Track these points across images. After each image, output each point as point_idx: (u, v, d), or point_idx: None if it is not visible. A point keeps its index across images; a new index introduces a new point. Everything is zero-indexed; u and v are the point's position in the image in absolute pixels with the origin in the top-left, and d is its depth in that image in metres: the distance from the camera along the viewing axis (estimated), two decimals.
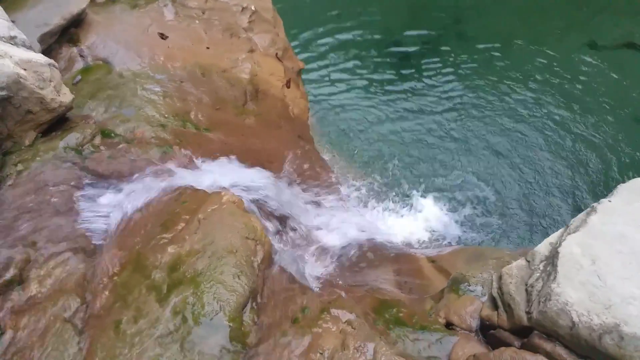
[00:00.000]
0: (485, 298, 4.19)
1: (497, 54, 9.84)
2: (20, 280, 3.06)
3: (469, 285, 4.30)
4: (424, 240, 6.36)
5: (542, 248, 3.12)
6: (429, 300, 4.57)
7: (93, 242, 3.44)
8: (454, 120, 8.39)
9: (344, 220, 6.14)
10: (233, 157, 5.60)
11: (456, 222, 6.67)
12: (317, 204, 6.18)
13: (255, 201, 4.54)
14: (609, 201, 3.16)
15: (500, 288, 3.13)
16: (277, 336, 2.90)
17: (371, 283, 4.94)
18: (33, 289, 3.05)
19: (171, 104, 6.06)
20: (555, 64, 9.43)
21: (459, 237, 6.59)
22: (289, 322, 3.01)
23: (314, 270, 4.85)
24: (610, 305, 2.63)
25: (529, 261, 3.14)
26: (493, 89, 9.04)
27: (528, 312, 2.91)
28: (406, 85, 9.18)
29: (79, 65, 6.26)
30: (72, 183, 3.72)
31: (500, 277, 3.17)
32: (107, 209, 3.69)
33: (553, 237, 3.20)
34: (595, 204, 3.20)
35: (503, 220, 6.72)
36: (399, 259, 5.62)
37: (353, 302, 3.30)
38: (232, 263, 3.14)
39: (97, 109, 5.56)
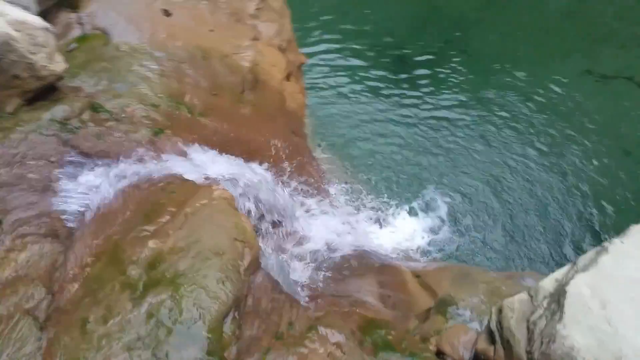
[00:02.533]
0: (473, 324, 3.95)
1: (497, 71, 9.64)
2: None
3: (457, 309, 4.05)
4: (410, 252, 6.11)
5: (547, 283, 2.87)
6: (414, 319, 4.32)
7: (67, 225, 3.10)
8: (449, 133, 8.17)
9: (330, 224, 5.86)
10: (225, 147, 5.28)
11: (444, 236, 6.44)
12: (305, 204, 5.88)
13: (244, 197, 4.22)
14: (622, 242, 2.92)
15: (499, 322, 2.87)
16: (258, 353, 2.60)
17: (355, 294, 4.66)
18: None
19: (167, 84, 5.69)
20: (553, 87, 9.27)
21: (445, 252, 6.36)
22: (272, 338, 2.72)
23: (297, 275, 4.56)
24: (620, 357, 2.39)
25: (531, 296, 2.89)
26: (490, 106, 8.83)
27: (529, 352, 2.66)
28: (406, 93, 8.93)
29: (76, 32, 5.86)
30: (53, 159, 3.36)
31: (500, 310, 2.91)
32: (87, 190, 3.34)
33: (559, 274, 2.95)
34: (606, 244, 2.96)
35: (491, 241, 6.50)
36: (383, 270, 5.36)
37: (341, 320, 3.02)
38: (217, 266, 2.83)
39: (88, 80, 5.15)
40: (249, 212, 4.01)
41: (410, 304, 4.79)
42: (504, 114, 8.58)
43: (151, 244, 2.92)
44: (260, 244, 3.53)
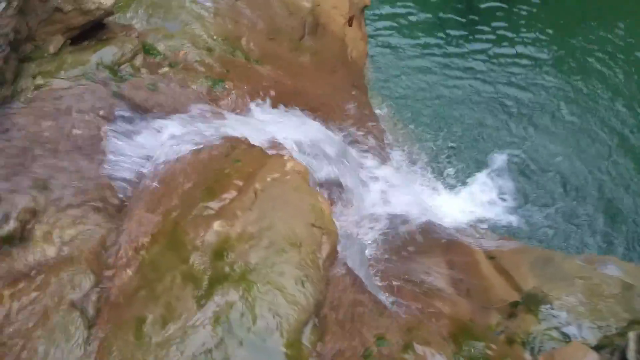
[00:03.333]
0: (570, 329, 3.42)
1: (579, 27, 8.56)
2: (21, 237, 2.27)
3: (552, 309, 3.52)
4: (479, 227, 5.52)
5: None
6: (495, 313, 3.82)
7: (119, 195, 2.63)
8: (523, 92, 7.31)
9: (394, 192, 5.30)
10: (285, 101, 4.71)
11: (518, 210, 5.81)
12: (367, 169, 5.33)
13: (313, 164, 3.69)
14: None
15: None
16: None
17: (424, 277, 4.17)
18: (37, 251, 2.27)
19: (222, 25, 5.09)
20: None
21: (515, 227, 5.76)
22: (360, 356, 2.25)
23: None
24: None
25: None
26: (570, 65, 7.85)
27: None
28: (475, 44, 8.02)
29: None
30: (102, 112, 2.86)
31: None
32: (141, 152, 2.85)
33: None
34: None
35: (566, 217, 5.85)
36: (450, 247, 4.82)
37: (436, 331, 2.52)
38: (295, 261, 2.34)
39: (137, 17, 4.64)
40: (321, 186, 3.49)
41: (486, 291, 4.27)
42: (587, 75, 7.62)
43: (217, 226, 2.44)
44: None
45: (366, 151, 5.41)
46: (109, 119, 2.86)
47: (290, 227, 2.47)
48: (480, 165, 6.35)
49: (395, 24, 8.23)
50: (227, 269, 2.27)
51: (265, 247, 2.36)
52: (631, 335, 2.41)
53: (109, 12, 3.19)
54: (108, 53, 3.11)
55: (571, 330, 3.36)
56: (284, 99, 4.80)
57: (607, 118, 6.92)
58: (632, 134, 6.70)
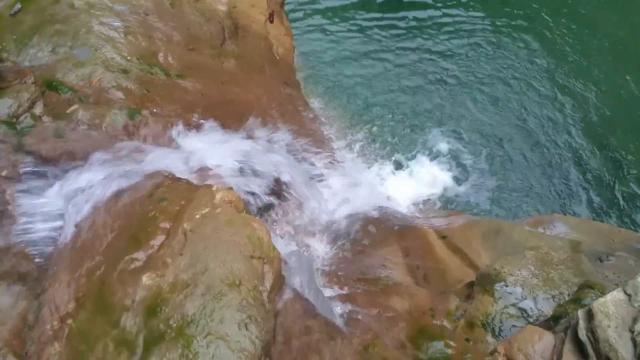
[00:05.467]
0: (527, 303, 3.42)
1: None
2: None
3: (506, 286, 3.50)
4: (427, 205, 5.51)
5: None
6: (453, 296, 3.79)
7: (36, 261, 2.39)
8: (460, 65, 7.23)
9: (339, 186, 5.20)
10: (213, 114, 4.50)
11: (460, 182, 5.83)
12: (309, 166, 5.19)
13: (246, 180, 3.52)
14: None
15: (592, 331, 2.29)
16: None
17: (381, 271, 4.10)
18: None
19: (135, 43, 4.81)
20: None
21: (464, 200, 5.78)
22: None
23: (318, 259, 3.96)
24: None
25: (629, 295, 2.30)
26: (500, 32, 7.80)
27: None
28: (404, 22, 7.87)
29: None
30: (5, 173, 2.59)
31: (591, 316, 2.32)
32: (55, 208, 2.60)
33: None
34: None
35: (510, 183, 5.91)
36: (404, 233, 4.78)
37: (394, 340, 2.43)
38: (236, 303, 2.17)
39: (42, 49, 4.34)
40: (257, 203, 3.32)
41: (442, 273, 4.25)
42: (522, 37, 7.59)
43: (146, 279, 2.24)
44: (278, 243, 2.85)
45: (305, 150, 5.27)
46: (14, 178, 2.59)
47: (227, 266, 2.30)
48: (423, 142, 6.33)
49: (318, 12, 8.03)
50: (162, 326, 2.09)
51: (201, 294, 2.19)
52: (580, 313, 2.37)
53: None
54: (2, 107, 2.82)
55: (527, 304, 3.35)
56: (211, 112, 4.59)
57: (541, 85, 7.00)
58: (567, 101, 6.80)
